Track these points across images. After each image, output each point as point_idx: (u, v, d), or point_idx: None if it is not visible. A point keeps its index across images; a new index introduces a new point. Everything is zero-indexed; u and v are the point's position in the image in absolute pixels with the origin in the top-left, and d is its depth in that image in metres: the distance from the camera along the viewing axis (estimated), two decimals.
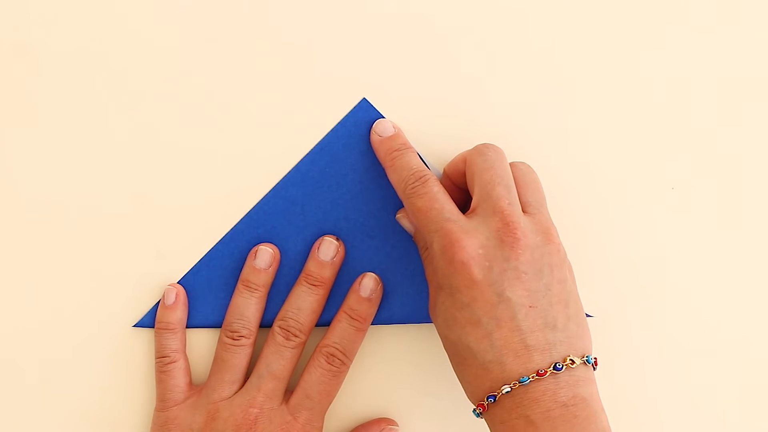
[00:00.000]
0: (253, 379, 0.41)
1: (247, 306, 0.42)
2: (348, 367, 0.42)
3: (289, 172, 0.44)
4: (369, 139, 0.44)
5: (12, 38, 0.44)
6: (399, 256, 0.44)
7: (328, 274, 0.42)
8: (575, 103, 0.45)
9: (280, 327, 0.41)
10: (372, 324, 0.43)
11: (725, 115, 0.45)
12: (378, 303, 0.43)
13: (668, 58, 0.45)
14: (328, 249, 0.43)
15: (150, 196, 0.44)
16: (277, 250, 0.43)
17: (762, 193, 0.45)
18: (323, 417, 0.42)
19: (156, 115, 0.44)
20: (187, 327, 0.43)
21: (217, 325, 0.43)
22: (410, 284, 0.44)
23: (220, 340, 0.42)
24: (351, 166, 0.44)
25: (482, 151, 0.39)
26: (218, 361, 0.42)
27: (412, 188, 0.39)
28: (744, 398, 0.45)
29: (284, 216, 0.44)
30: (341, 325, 0.42)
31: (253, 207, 0.44)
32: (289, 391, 0.42)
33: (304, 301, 0.42)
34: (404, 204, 0.40)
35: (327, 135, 0.44)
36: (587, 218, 0.45)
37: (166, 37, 0.44)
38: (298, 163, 0.44)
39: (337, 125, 0.44)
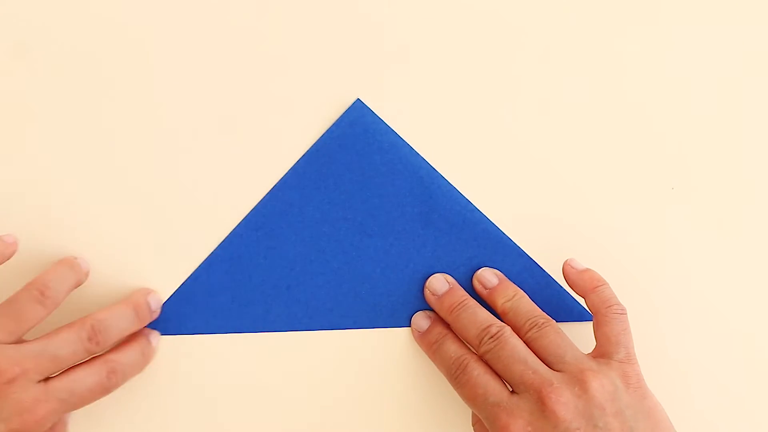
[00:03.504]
0: (35, 346, 0.39)
1: (66, 277, 0.41)
2: (116, 389, 0.41)
3: (286, 174, 0.44)
4: (364, 138, 0.44)
5: (12, 38, 0.44)
6: (398, 254, 0.44)
7: (149, 317, 0.43)
8: (575, 103, 0.45)
9: (92, 327, 0.40)
10: (369, 327, 0.44)
11: (725, 115, 0.46)
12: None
13: (668, 58, 0.46)
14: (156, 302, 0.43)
15: (148, 200, 0.44)
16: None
17: (762, 193, 0.46)
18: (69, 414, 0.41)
19: (151, 120, 0.44)
20: (189, 334, 0.43)
21: (219, 331, 0.44)
22: (409, 282, 0.44)
23: (24, 290, 0.40)
24: (347, 166, 0.44)
25: (483, 344, 0.40)
26: (11, 305, 0.39)
27: (455, 378, 0.41)
28: (745, 398, 0.45)
29: (282, 218, 0.44)
30: (133, 352, 0.42)
31: (251, 210, 0.44)
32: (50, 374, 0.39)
33: (123, 322, 0.41)
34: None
35: (322, 136, 0.44)
36: (587, 218, 0.45)
37: (163, 40, 0.44)
38: (295, 164, 0.44)
39: (332, 126, 0.44)
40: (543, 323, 0.40)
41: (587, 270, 0.42)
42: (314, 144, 0.44)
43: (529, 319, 0.41)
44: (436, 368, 0.44)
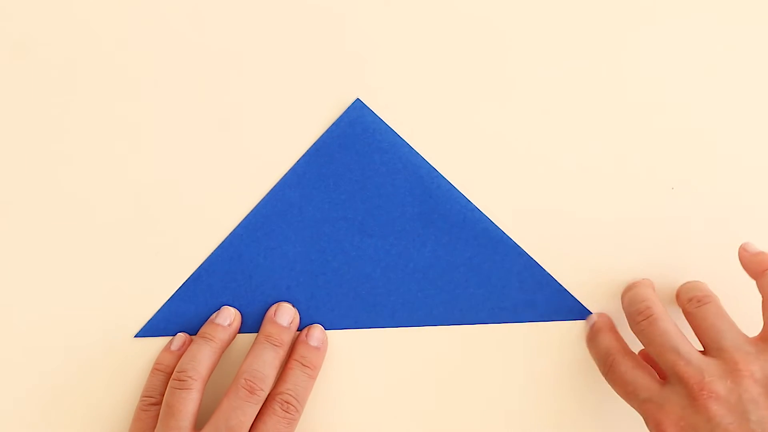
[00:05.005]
0: (207, 431, 0.39)
1: (200, 350, 0.41)
2: (300, 415, 0.41)
3: (286, 174, 0.44)
4: (363, 138, 0.44)
5: (12, 39, 0.44)
6: (398, 253, 0.44)
7: (286, 337, 0.42)
8: (575, 103, 0.45)
9: (245, 380, 0.40)
10: (369, 327, 0.44)
11: (725, 115, 0.46)
12: (326, 351, 0.43)
13: (668, 57, 0.46)
14: (285, 314, 0.43)
15: (148, 201, 0.44)
16: (238, 313, 0.43)
17: (763, 193, 0.46)
18: None
19: (151, 119, 0.44)
20: (189, 334, 0.43)
21: None
22: (409, 282, 0.44)
23: (168, 386, 0.40)
24: (347, 166, 0.44)
25: (637, 324, 0.41)
26: (165, 408, 0.40)
27: (606, 375, 0.41)
28: None
29: (282, 218, 0.44)
30: (294, 372, 0.42)
31: (251, 210, 0.44)
32: None
33: (268, 356, 0.41)
34: None
35: (322, 136, 0.44)
36: (587, 218, 0.45)
37: (163, 39, 0.44)
38: (295, 164, 0.44)
39: (331, 126, 0.44)
40: (703, 298, 0.40)
41: (761, 253, 0.41)
42: (314, 144, 0.44)
43: (691, 290, 0.41)
44: (432, 370, 0.44)
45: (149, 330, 0.43)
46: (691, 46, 0.46)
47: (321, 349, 0.43)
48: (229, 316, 0.43)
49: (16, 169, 0.44)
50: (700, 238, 0.45)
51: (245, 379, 0.40)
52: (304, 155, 0.44)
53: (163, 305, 0.44)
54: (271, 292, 0.44)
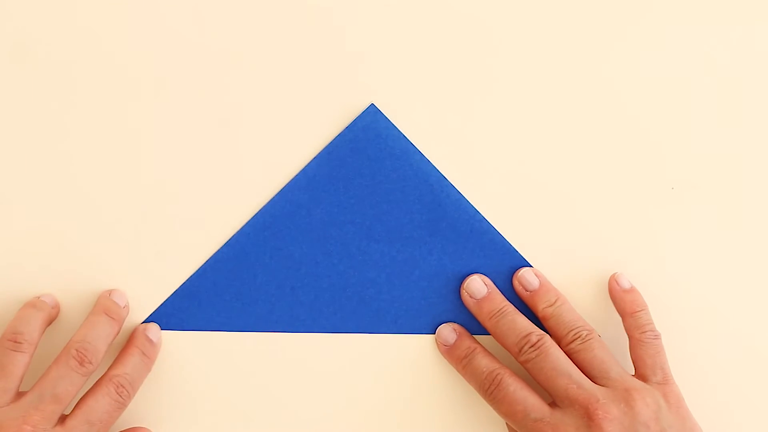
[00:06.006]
0: (32, 396, 0.39)
1: (33, 316, 0.41)
2: (130, 401, 0.41)
3: (296, 175, 0.44)
4: (376, 143, 0.44)
5: (11, 40, 0.44)
6: (404, 260, 0.44)
7: (123, 314, 0.43)
8: (577, 104, 0.45)
9: (77, 350, 0.40)
10: (371, 333, 0.44)
11: (725, 115, 0.46)
12: (160, 348, 0.43)
13: (668, 57, 0.46)
14: (121, 297, 0.43)
15: (156, 198, 0.44)
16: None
17: (762, 193, 0.46)
18: None
19: (161, 117, 0.44)
20: (192, 330, 0.43)
21: (221, 328, 0.44)
22: (413, 289, 0.44)
23: None
24: (358, 171, 0.44)
25: (524, 353, 0.40)
26: None
27: (490, 394, 0.40)
28: (745, 398, 0.45)
29: (290, 219, 0.44)
30: (134, 358, 0.42)
31: (260, 209, 0.44)
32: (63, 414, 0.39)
33: (104, 329, 0.41)
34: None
35: (335, 139, 0.44)
36: (587, 219, 0.45)
37: (173, 39, 0.44)
38: (305, 166, 0.44)
39: (345, 130, 0.44)
40: (586, 335, 0.41)
41: (631, 291, 0.43)
42: (326, 146, 0.44)
43: (572, 330, 0.41)
44: (433, 376, 0.44)
45: (153, 321, 0.43)
46: (691, 46, 0.46)
47: (158, 345, 0.43)
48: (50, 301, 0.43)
49: (16, 170, 0.44)
50: (700, 238, 0.45)
51: (77, 349, 0.40)
52: (315, 157, 0.44)
53: (167, 299, 0.44)
54: (275, 292, 0.44)
